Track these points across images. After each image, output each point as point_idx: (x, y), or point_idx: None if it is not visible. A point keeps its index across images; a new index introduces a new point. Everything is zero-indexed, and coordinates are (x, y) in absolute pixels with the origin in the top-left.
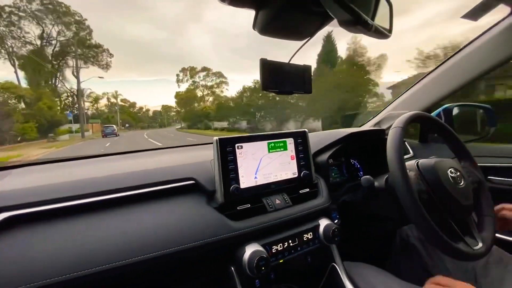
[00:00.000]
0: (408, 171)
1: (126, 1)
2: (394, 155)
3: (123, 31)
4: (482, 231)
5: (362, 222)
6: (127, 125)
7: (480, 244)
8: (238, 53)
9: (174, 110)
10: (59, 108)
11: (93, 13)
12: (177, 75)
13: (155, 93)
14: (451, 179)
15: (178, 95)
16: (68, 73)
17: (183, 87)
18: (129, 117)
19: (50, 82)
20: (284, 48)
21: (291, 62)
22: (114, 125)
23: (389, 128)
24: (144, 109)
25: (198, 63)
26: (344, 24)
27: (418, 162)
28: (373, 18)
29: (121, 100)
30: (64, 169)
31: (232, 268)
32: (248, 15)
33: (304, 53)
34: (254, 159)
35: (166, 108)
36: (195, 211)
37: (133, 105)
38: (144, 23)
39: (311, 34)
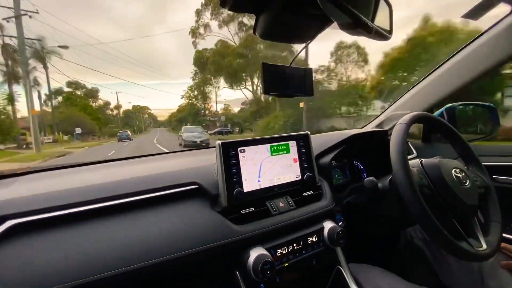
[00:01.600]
0: (411, 167)
1: (85, 1)
2: (397, 149)
3: (82, 32)
4: (488, 235)
5: (367, 224)
6: (77, 130)
7: (485, 246)
8: None
9: (147, 111)
10: None
11: (49, 12)
12: (198, 12)
13: (120, 95)
14: (455, 178)
15: (203, 54)
16: None
17: (208, 43)
18: (84, 113)
19: None
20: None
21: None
22: (128, 131)
23: (391, 129)
24: (112, 106)
25: (164, 66)
26: (344, 27)
27: (422, 161)
28: (373, 20)
29: (69, 84)
30: (68, 175)
31: (237, 273)
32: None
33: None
34: (257, 163)
35: (137, 108)
36: (199, 215)
37: (93, 93)
38: (104, 25)
39: (311, 37)
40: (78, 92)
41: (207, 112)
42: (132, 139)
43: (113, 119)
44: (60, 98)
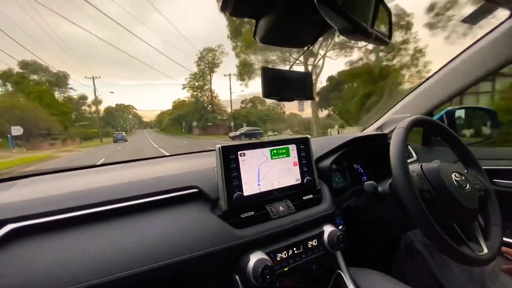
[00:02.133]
0: (411, 171)
1: None
2: (396, 154)
3: (60, 27)
4: (489, 239)
5: (367, 228)
6: (15, 130)
7: (485, 250)
8: (190, 57)
9: (133, 111)
10: None
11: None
12: None
13: (101, 96)
14: (455, 182)
15: None
16: None
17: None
18: (39, 104)
19: None
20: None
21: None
22: (123, 132)
23: (391, 132)
24: (89, 101)
25: (145, 66)
26: (344, 32)
27: (421, 165)
28: (372, 26)
29: (24, 65)
30: (68, 179)
31: (237, 277)
32: (198, 18)
33: None
34: (257, 166)
35: (122, 107)
36: (199, 219)
37: (60, 80)
38: (84, 21)
39: (311, 42)
40: (35, 77)
41: (215, 108)
42: (127, 140)
43: (91, 117)
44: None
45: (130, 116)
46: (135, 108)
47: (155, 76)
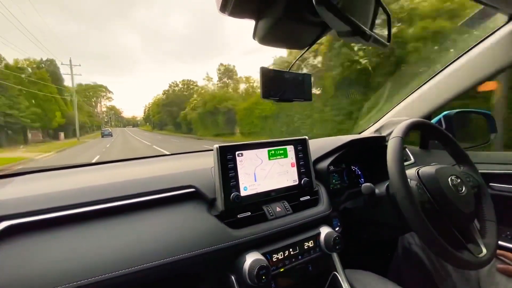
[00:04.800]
0: (409, 180)
1: None
2: (394, 166)
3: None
4: (485, 236)
5: (364, 229)
6: None
7: (484, 251)
8: (172, 56)
9: (106, 96)
10: None
11: None
12: None
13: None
14: (452, 187)
15: None
16: None
17: None
18: None
19: None
20: (221, 54)
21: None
22: (109, 128)
23: (389, 135)
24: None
25: (126, 64)
26: (342, 34)
27: (419, 171)
28: (371, 28)
29: None
30: (64, 177)
31: (233, 277)
32: (181, 17)
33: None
34: (254, 167)
35: (83, 88)
36: (195, 219)
37: None
38: (54, 11)
39: (310, 43)
40: None
41: None
42: (112, 135)
43: None
44: None
45: (104, 109)
46: (109, 91)
47: (134, 74)
